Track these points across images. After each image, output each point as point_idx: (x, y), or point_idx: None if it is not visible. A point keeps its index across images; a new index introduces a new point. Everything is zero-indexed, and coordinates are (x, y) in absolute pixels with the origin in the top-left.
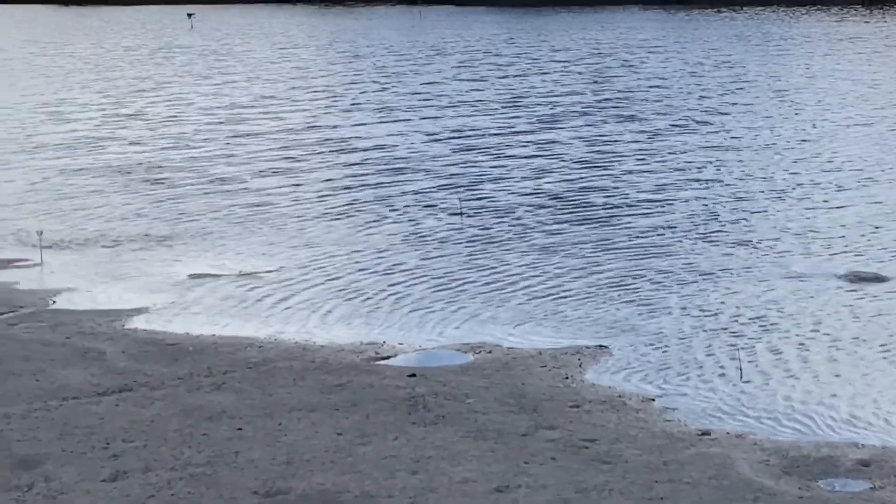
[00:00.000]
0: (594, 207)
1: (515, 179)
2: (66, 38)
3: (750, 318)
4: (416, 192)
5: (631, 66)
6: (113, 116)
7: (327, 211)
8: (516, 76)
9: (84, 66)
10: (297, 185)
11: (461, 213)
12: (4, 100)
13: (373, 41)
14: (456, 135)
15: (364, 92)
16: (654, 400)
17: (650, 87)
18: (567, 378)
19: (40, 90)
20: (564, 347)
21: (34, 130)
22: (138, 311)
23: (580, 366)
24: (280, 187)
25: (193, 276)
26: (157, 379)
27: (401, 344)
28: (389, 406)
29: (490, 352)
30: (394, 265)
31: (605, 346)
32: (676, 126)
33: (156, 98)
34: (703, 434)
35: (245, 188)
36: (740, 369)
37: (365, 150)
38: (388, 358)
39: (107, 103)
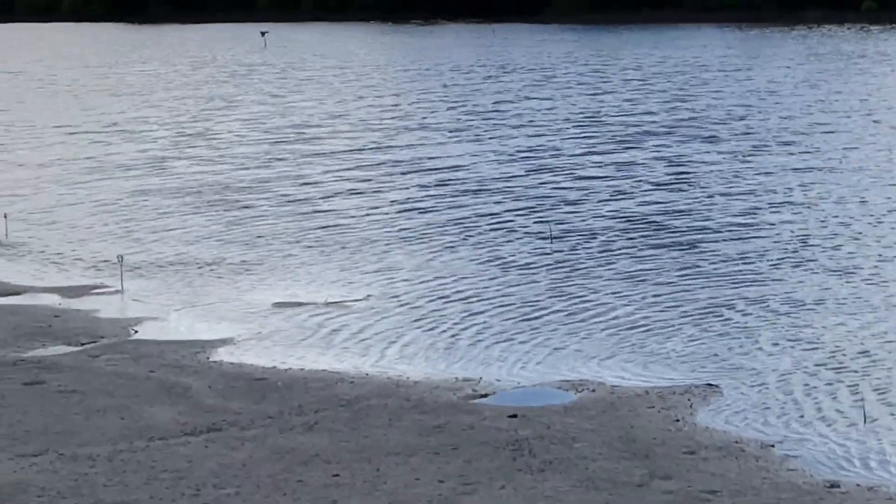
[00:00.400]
0: (678, 232)
1: (595, 202)
2: (137, 56)
3: (858, 353)
4: (492, 215)
5: (707, 84)
6: (183, 136)
7: (406, 235)
8: (589, 95)
9: (155, 85)
10: (372, 206)
11: (550, 238)
12: (74, 119)
13: (443, 59)
14: (530, 155)
15: (434, 111)
16: (773, 446)
17: (728, 106)
18: (678, 420)
19: (111, 109)
20: (671, 386)
21: (104, 150)
22: (223, 341)
23: (690, 407)
24: (354, 209)
25: (277, 305)
26: (246, 418)
27: (498, 380)
28: (492, 450)
29: (593, 390)
30: (481, 293)
31: (715, 385)
32: (760, 147)
33: (227, 117)
34: (832, 486)
35: (319, 210)
36: (863, 411)
37: (437, 170)
38: (485, 396)
39: (177, 122)
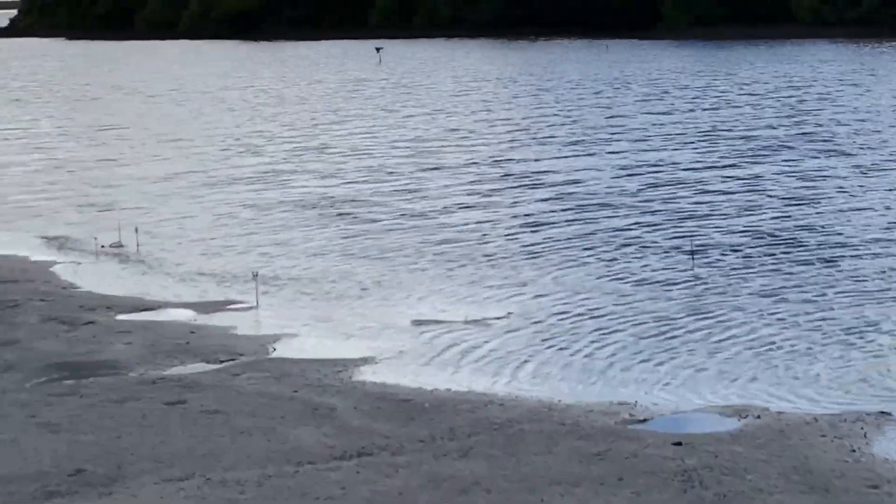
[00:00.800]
0: (814, 248)
1: (725, 217)
2: (254, 71)
3: None
4: (618, 230)
5: (827, 98)
6: (300, 150)
7: (533, 250)
8: (706, 109)
9: (272, 100)
10: (493, 220)
11: (689, 254)
12: (194, 133)
13: (555, 74)
14: (649, 169)
15: (550, 125)
16: None
17: (852, 120)
18: (854, 451)
19: (228, 123)
20: (840, 413)
21: (223, 164)
22: (364, 360)
23: (865, 436)
24: (475, 223)
25: (417, 323)
26: (396, 441)
27: (655, 405)
28: (660, 481)
29: (758, 416)
30: (618, 311)
31: (888, 413)
32: (887, 161)
33: (343, 131)
34: None
35: (440, 224)
36: None
37: (556, 184)
38: (643, 421)
39: (294, 136)
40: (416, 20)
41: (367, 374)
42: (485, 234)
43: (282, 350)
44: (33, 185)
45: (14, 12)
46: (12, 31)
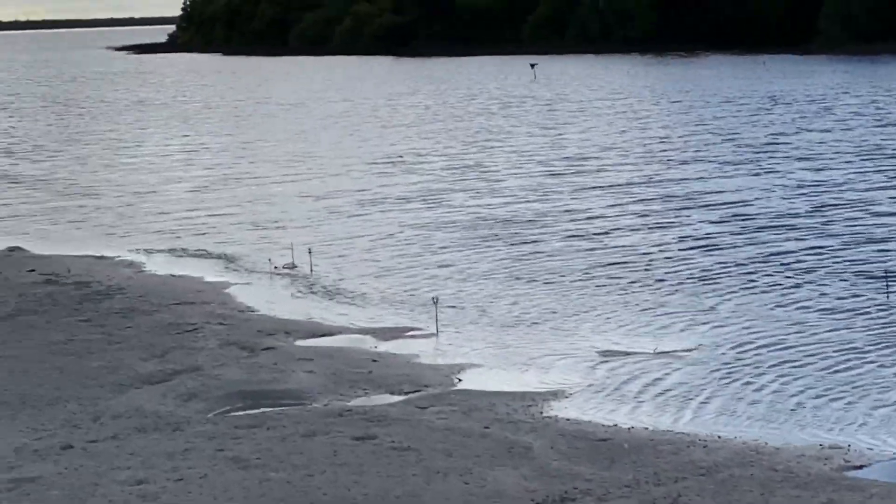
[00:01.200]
0: None
1: None
2: (407, 87)
3: None
4: (791, 253)
5: None
6: (457, 168)
7: (708, 274)
8: (871, 127)
9: (425, 117)
10: (661, 243)
11: (885, 280)
12: (350, 150)
13: (710, 90)
14: (817, 189)
15: (708, 143)
16: None
17: None
18: None
19: (383, 141)
20: None
21: (379, 182)
22: (553, 394)
23: None
24: (642, 245)
25: (604, 354)
26: (600, 486)
27: (869, 449)
28: None
29: None
30: (811, 342)
31: None
32: None
33: (499, 149)
34: None
35: (604, 246)
36: None
37: (721, 205)
38: (861, 468)
39: (449, 154)
40: (568, 35)
41: (558, 409)
42: (654, 258)
43: (467, 381)
44: (198, 202)
45: (172, 28)
46: (171, 46)
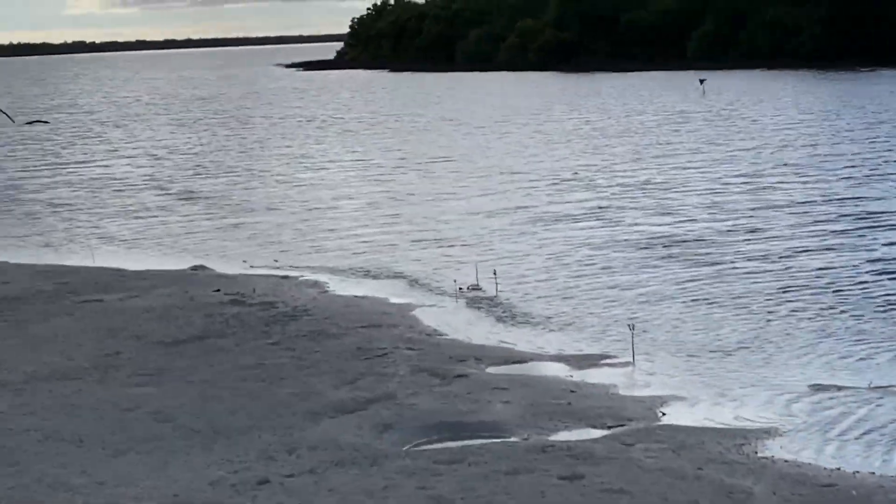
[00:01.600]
0: None
1: None
2: (573, 103)
3: None
4: None
5: None
6: (628, 185)
7: None
8: None
9: (591, 133)
10: (850, 266)
11: None
12: (519, 166)
13: (884, 106)
14: None
15: (887, 161)
16: None
17: None
18: None
19: (548, 157)
20: None
21: (551, 199)
22: (765, 431)
23: None
24: (829, 268)
25: (815, 387)
26: None
27: None
28: None
29: None
30: None
31: None
32: None
33: (669, 166)
34: None
35: (790, 268)
36: None
37: None
38: None
39: (617, 171)
40: (733, 51)
41: (773, 449)
42: (845, 281)
43: (672, 415)
44: (372, 219)
45: (340, 45)
46: (339, 63)
